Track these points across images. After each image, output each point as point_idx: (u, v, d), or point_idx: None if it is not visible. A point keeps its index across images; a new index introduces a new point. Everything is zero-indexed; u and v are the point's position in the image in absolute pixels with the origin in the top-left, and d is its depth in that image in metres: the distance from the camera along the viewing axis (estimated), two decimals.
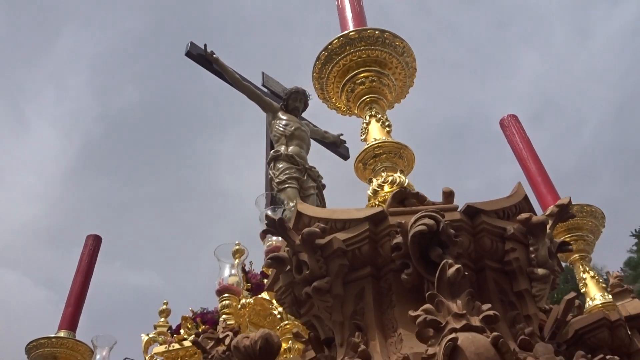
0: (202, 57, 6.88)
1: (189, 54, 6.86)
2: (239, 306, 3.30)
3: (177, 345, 4.54)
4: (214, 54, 6.85)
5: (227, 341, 2.71)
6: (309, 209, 2.01)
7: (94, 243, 6.70)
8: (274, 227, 1.91)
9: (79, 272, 6.43)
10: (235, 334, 2.76)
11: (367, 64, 3.21)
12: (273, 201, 4.30)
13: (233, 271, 3.46)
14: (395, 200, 1.92)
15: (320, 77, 3.35)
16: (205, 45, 6.86)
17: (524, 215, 1.88)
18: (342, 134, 7.85)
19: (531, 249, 1.87)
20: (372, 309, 1.82)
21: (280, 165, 6.10)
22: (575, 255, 3.96)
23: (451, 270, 1.55)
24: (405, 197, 1.93)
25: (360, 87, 3.23)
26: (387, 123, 2.98)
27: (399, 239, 1.78)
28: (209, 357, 2.64)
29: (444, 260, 1.59)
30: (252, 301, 3.38)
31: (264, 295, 3.41)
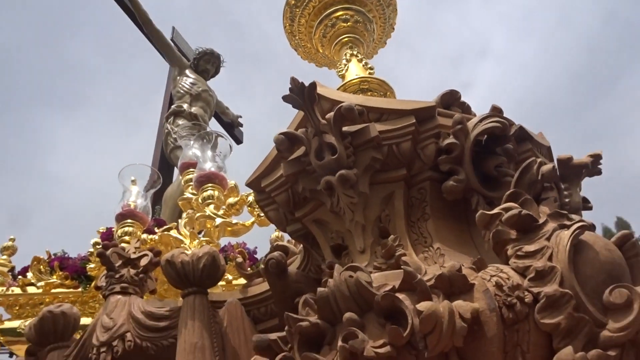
0: None
1: None
2: (137, 241, 2.66)
3: (17, 290, 3.63)
4: None
5: (142, 262, 2.12)
6: (334, 93, 1.61)
7: None
8: (299, 93, 1.48)
9: None
10: (156, 254, 2.18)
11: (344, 2, 2.94)
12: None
13: (140, 199, 2.82)
14: (442, 102, 1.62)
15: (292, 16, 3.00)
16: None
17: (565, 155, 1.71)
18: (241, 116, 7.43)
19: (565, 192, 1.69)
20: (403, 217, 1.47)
21: (181, 122, 5.50)
22: None
23: (546, 168, 1.28)
24: (452, 103, 1.64)
25: (338, 26, 2.93)
26: (369, 65, 2.70)
27: (451, 139, 1.48)
28: (116, 277, 2.01)
29: (531, 158, 1.33)
30: (156, 237, 2.77)
31: (173, 232, 2.83)
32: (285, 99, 1.51)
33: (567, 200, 1.69)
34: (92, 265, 3.52)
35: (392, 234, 1.44)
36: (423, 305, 1.02)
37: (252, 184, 1.68)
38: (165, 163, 5.51)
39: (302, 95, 1.49)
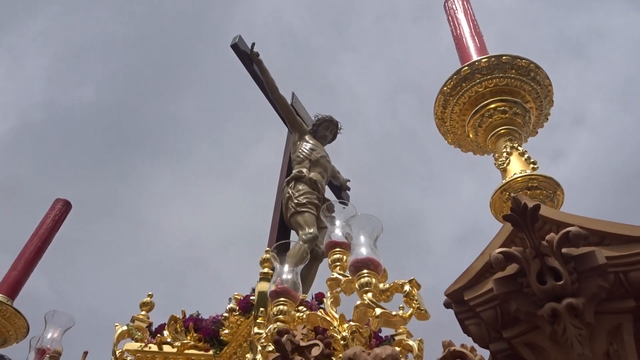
0: (246, 55, 6.49)
1: (234, 47, 6.45)
2: (304, 327, 2.66)
3: (154, 348, 3.79)
4: (259, 55, 6.48)
5: (314, 352, 2.13)
6: (551, 212, 1.58)
7: (63, 208, 5.86)
8: (521, 213, 1.47)
9: (37, 235, 5.52)
10: (327, 345, 2.19)
11: (502, 93, 2.94)
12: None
13: (290, 275, 2.89)
14: None
15: (445, 103, 3.06)
16: (253, 45, 6.50)
17: None
18: (349, 180, 7.52)
19: None
20: (636, 355, 1.38)
21: (301, 187, 5.64)
22: None
23: None
24: None
25: (495, 117, 2.92)
26: (532, 160, 2.64)
27: None
28: None
29: None
30: (304, 316, 2.80)
31: (321, 312, 2.85)
32: (506, 218, 1.50)
33: None
34: (227, 331, 3.62)
35: None
36: None
37: (452, 294, 1.66)
38: (283, 225, 5.65)
39: (523, 215, 1.47)
